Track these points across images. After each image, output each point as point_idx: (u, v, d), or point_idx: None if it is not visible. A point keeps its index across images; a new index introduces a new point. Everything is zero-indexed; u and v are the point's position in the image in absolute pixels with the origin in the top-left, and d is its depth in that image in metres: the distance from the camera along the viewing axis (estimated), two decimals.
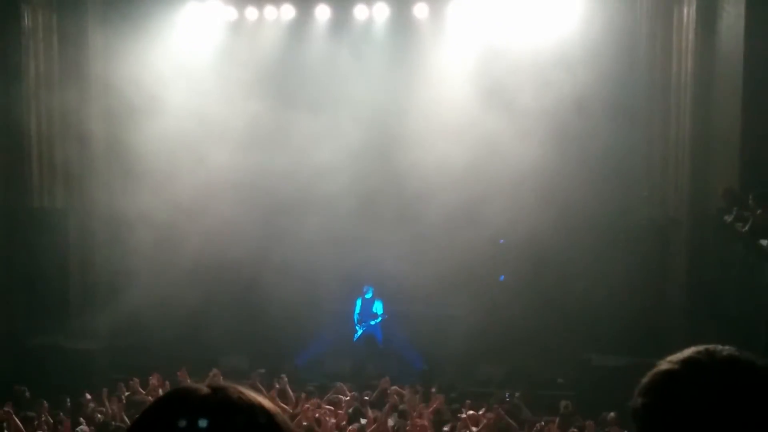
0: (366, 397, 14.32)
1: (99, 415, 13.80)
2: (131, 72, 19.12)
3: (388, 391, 15.07)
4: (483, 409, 13.98)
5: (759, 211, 14.54)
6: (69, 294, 19.28)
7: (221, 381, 1.92)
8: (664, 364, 1.93)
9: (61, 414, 13.91)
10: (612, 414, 13.35)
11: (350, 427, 12.59)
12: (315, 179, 18.93)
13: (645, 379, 1.94)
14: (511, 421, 13.66)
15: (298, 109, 19.40)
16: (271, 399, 13.11)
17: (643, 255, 18.34)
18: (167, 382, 15.14)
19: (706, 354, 1.90)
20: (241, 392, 1.78)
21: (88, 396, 14.52)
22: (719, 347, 1.92)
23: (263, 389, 15.10)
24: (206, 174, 19.11)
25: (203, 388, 1.78)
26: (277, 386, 15.28)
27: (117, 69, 19.27)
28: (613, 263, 18.43)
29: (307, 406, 13.67)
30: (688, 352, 1.93)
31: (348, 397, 14.79)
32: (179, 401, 1.75)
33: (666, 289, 18.18)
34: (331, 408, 13.75)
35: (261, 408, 1.77)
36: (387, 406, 13.98)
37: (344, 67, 19.92)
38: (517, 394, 15.51)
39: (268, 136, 19.36)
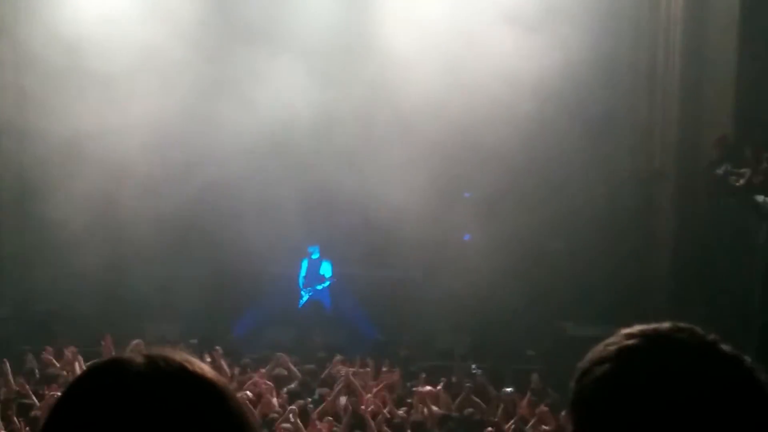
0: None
1: (4, 390, 13.56)
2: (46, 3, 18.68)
3: (335, 370, 14.91)
4: (441, 385, 13.93)
5: (765, 165, 14.54)
6: None
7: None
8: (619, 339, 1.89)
9: None
10: None
11: (291, 405, 12.46)
12: (252, 124, 18.54)
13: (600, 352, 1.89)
14: (476, 398, 13.63)
15: (242, 44, 19.05)
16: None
17: (624, 211, 18.38)
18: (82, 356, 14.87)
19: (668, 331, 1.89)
20: (185, 360, 1.71)
21: (6, 365, 14.22)
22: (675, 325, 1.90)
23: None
24: (132, 123, 18.67)
25: (137, 358, 1.69)
26: (209, 360, 15.07)
27: None
28: (591, 221, 18.42)
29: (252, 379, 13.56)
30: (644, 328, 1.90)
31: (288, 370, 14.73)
32: (110, 375, 1.67)
33: (650, 250, 18.24)
34: (270, 384, 13.60)
35: (208, 379, 1.70)
36: (338, 384, 13.88)
37: None
38: (479, 371, 15.47)
39: (204, 73, 19.00)
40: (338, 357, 15.42)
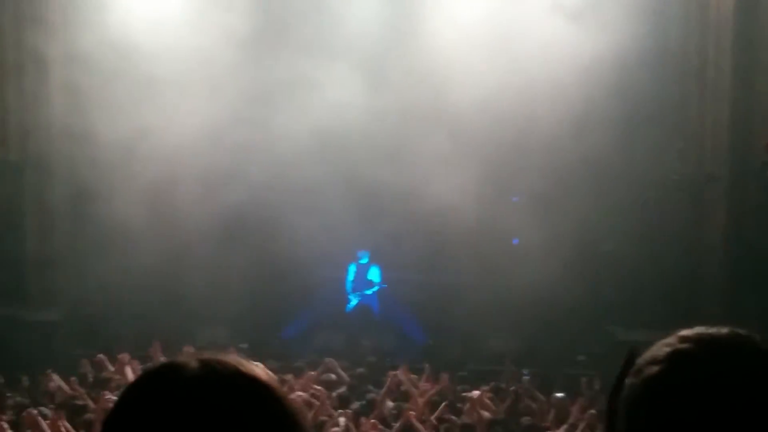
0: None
1: (59, 393, 13.75)
2: (97, 6, 18.90)
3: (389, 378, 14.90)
4: (490, 389, 13.90)
5: None
6: (26, 258, 19.18)
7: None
8: (671, 342, 1.88)
9: (16, 398, 13.83)
10: None
11: (341, 410, 12.54)
12: (300, 127, 18.57)
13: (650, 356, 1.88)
14: (531, 403, 13.61)
15: (291, 47, 19.16)
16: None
17: (675, 215, 18.24)
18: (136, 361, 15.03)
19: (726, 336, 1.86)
20: (239, 363, 1.71)
21: (54, 375, 14.41)
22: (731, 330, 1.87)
23: None
24: (182, 126, 18.81)
25: (192, 362, 1.69)
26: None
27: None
28: (641, 225, 18.32)
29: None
30: (701, 329, 1.88)
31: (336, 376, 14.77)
32: (165, 380, 1.68)
33: (701, 254, 18.10)
34: (320, 388, 13.68)
35: (262, 381, 1.70)
36: (385, 387, 13.92)
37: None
38: (527, 377, 15.42)
39: (252, 76, 19.10)
40: (396, 368, 15.30)
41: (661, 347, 1.86)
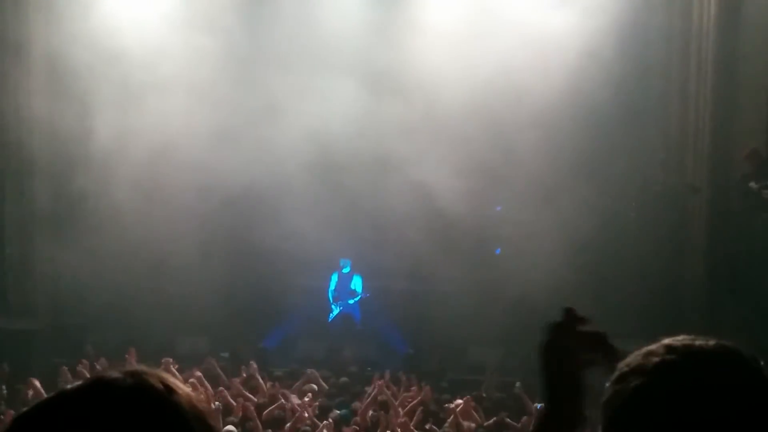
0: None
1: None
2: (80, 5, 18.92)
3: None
4: (471, 399, 13.89)
5: None
6: (4, 266, 19.13)
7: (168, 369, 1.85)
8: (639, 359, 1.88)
9: None
10: None
11: (324, 420, 12.55)
12: (286, 137, 18.56)
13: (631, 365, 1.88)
14: (511, 422, 13.59)
15: (277, 59, 19.21)
16: (236, 388, 13.00)
17: (657, 225, 18.32)
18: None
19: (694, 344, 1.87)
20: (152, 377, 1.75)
21: (36, 381, 14.31)
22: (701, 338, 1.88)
23: (222, 374, 15.07)
24: (161, 133, 18.75)
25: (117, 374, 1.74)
26: (245, 374, 15.21)
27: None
28: (623, 235, 18.39)
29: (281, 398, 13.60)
30: (667, 341, 1.89)
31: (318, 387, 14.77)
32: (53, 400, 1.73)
33: (683, 264, 18.18)
34: (301, 398, 13.69)
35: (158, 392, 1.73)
36: (369, 397, 13.92)
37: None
38: (518, 384, 15.43)
39: (234, 92, 19.11)
40: (377, 376, 15.30)
41: (648, 357, 1.85)
